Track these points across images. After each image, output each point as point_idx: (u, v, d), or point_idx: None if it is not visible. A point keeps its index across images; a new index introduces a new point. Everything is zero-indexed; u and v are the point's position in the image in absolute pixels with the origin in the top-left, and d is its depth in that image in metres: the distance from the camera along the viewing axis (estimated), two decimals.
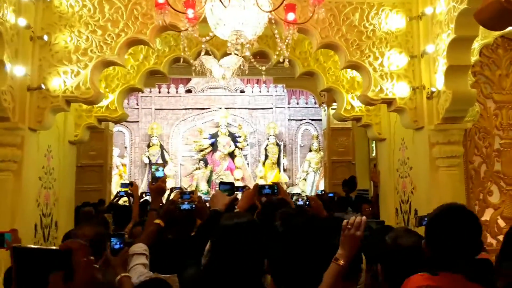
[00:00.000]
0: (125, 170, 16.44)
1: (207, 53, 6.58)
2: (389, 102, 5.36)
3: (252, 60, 4.58)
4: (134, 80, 6.33)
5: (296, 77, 6.69)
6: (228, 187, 3.50)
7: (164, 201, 5.30)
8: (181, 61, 6.16)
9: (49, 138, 5.64)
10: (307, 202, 4.34)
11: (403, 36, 5.41)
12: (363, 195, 11.40)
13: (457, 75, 4.79)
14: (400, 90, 5.26)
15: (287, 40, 4.18)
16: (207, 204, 4.05)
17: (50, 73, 5.03)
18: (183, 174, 17.11)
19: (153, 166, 3.85)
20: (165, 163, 16.34)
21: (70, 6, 5.14)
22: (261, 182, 15.87)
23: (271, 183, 4.32)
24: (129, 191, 6.53)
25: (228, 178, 16.10)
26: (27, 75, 4.88)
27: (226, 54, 6.58)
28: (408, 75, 5.33)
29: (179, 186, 14.71)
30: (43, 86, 4.94)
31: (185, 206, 3.71)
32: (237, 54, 4.37)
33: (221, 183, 3.69)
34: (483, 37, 5.17)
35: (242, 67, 11.89)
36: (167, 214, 3.31)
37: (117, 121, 6.81)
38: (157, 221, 3.22)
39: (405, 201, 5.81)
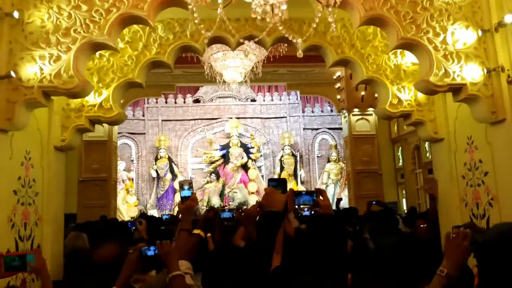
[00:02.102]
0: (131, 184, 15.56)
1: (219, 41, 5.54)
2: (457, 89, 4.24)
3: (283, 30, 3.39)
4: (133, 72, 5.28)
5: (328, 67, 5.57)
6: (279, 183, 2.91)
7: None
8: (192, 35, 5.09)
9: (27, 143, 4.55)
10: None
11: (468, 6, 4.31)
12: (393, 208, 10.34)
13: None
14: (470, 73, 4.16)
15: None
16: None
17: (23, 58, 3.98)
18: (194, 187, 16.03)
19: (179, 183, 3.08)
20: (175, 177, 15.42)
21: None
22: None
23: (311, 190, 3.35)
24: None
25: (242, 192, 15.08)
26: None
27: (241, 43, 5.46)
28: (480, 54, 4.23)
29: None
30: (13, 74, 3.88)
31: (226, 214, 3.48)
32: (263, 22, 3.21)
33: (270, 179, 3.11)
34: None
35: (255, 68, 10.91)
36: (206, 223, 3.06)
37: (113, 122, 5.68)
38: (197, 231, 2.92)
39: (479, 216, 4.63)
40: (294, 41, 3.74)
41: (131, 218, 12.24)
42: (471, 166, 4.80)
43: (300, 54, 3.41)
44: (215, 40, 5.49)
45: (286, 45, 8.57)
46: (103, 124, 9.86)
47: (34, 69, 3.96)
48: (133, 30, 5.32)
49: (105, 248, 3.00)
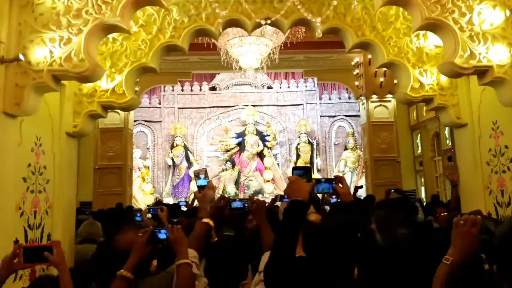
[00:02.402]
0: (147, 172, 15.53)
1: (235, 24, 5.38)
2: (483, 72, 4.06)
3: (302, 9, 3.24)
4: (147, 57, 5.16)
5: (347, 50, 5.37)
6: (304, 172, 2.62)
7: None
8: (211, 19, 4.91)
9: (38, 128, 4.46)
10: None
11: None
12: (411, 196, 10.12)
13: None
14: (497, 55, 3.99)
15: None
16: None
17: (32, 41, 3.89)
18: (209, 176, 15.94)
19: (194, 173, 3.00)
20: (190, 165, 15.35)
21: None
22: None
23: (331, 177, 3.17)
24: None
25: (258, 180, 14.99)
26: (1, 43, 3.75)
27: (258, 26, 5.29)
28: (507, 35, 4.06)
29: None
30: (21, 57, 3.77)
31: (237, 204, 3.40)
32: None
33: (294, 168, 2.80)
34: None
35: (272, 55, 10.72)
36: (217, 212, 2.99)
37: (126, 108, 5.55)
38: (206, 220, 2.84)
39: (504, 204, 4.48)
40: (314, 20, 3.58)
41: (147, 205, 12.21)
42: (496, 152, 4.64)
43: (319, 34, 3.26)
44: (231, 23, 5.34)
45: (304, 30, 8.38)
46: (119, 112, 9.89)
47: (43, 52, 3.85)
48: (147, 13, 5.19)
49: (126, 234, 2.86)
